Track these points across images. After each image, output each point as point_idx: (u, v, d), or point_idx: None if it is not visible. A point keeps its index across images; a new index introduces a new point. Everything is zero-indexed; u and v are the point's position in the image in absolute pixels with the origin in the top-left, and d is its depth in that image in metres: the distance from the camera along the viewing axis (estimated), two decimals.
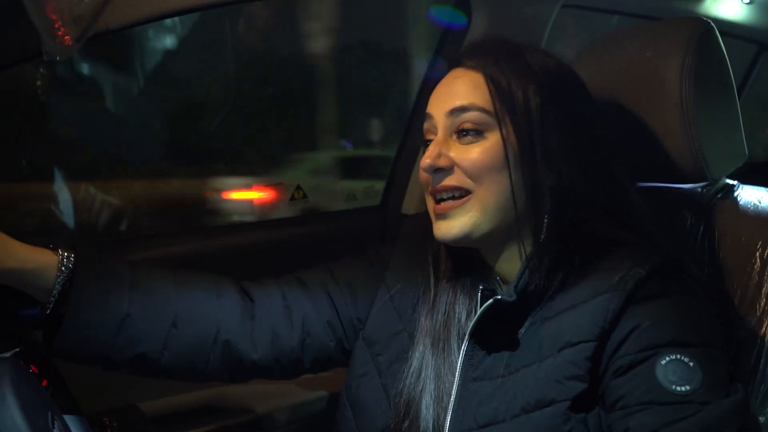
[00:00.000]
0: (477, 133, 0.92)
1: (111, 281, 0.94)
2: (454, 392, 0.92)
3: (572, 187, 0.91)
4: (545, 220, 0.91)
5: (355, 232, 1.65)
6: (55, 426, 0.70)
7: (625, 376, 0.81)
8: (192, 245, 1.49)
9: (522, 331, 0.90)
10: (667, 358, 0.79)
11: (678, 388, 0.78)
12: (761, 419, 0.90)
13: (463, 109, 0.93)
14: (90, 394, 1.07)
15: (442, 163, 0.92)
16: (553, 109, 0.93)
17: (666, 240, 0.94)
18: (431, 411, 0.93)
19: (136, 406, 1.34)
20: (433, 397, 0.93)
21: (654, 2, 1.68)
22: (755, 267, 0.99)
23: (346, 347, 1.07)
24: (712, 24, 1.05)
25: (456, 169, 0.92)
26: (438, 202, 0.94)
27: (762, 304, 0.97)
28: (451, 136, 0.94)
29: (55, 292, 0.90)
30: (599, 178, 0.93)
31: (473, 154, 0.91)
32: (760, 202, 1.05)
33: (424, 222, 1.07)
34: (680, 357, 0.79)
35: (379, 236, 1.65)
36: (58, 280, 0.90)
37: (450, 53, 1.03)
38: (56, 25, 0.78)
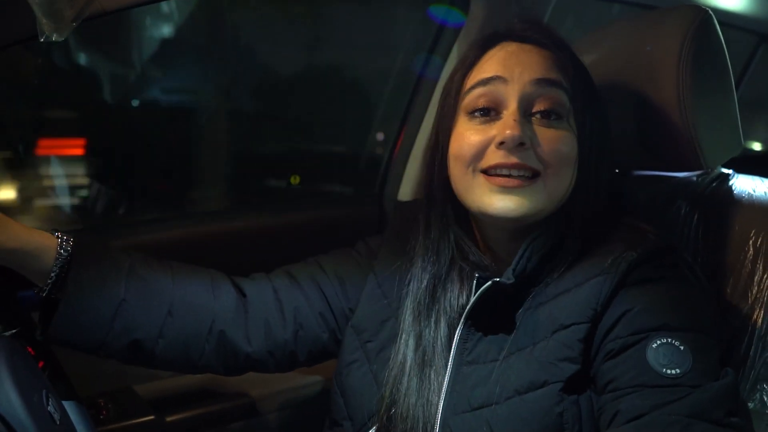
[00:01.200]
0: (558, 116, 0.89)
1: (108, 267, 0.94)
2: (447, 375, 0.92)
3: (595, 181, 0.92)
4: (570, 212, 0.92)
5: (351, 219, 1.65)
6: (50, 404, 0.71)
7: (617, 358, 0.82)
8: (188, 230, 1.49)
9: (517, 315, 0.91)
10: (658, 342, 0.80)
11: (668, 371, 0.78)
12: (750, 405, 0.91)
13: (553, 83, 0.89)
14: (86, 377, 1.08)
15: (527, 139, 0.87)
16: (601, 106, 0.95)
17: (660, 227, 0.95)
18: (421, 395, 0.93)
19: (132, 388, 1.35)
20: (423, 380, 0.94)
21: None
22: (748, 255, 1.00)
23: (339, 338, 1.07)
24: (711, 13, 1.05)
25: (530, 148, 0.88)
26: (495, 174, 0.89)
27: (754, 292, 0.97)
28: (525, 113, 0.89)
29: (52, 274, 0.90)
30: (611, 169, 0.95)
31: (555, 139, 0.88)
32: (754, 191, 1.05)
33: (415, 208, 1.07)
34: (671, 341, 0.80)
35: (376, 223, 1.66)
36: (56, 264, 0.90)
37: (504, 27, 0.97)
38: (52, 6, 0.78)
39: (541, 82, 0.88)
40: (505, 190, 0.88)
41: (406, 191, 1.68)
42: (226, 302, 1.02)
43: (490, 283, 0.90)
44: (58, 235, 0.92)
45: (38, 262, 0.90)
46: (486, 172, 0.89)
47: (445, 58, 1.61)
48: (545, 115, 0.89)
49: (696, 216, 1.07)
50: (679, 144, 1.04)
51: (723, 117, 1.08)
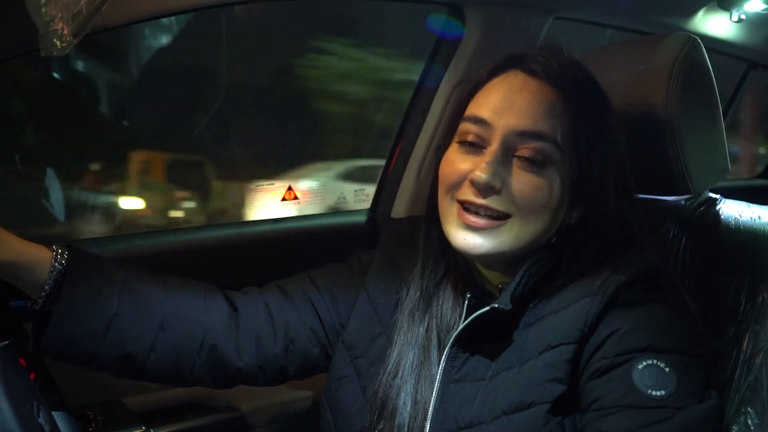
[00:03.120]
0: (538, 164, 0.88)
1: (102, 281, 0.95)
2: (435, 393, 0.93)
3: (604, 217, 0.91)
4: (556, 241, 0.92)
5: (344, 235, 1.66)
6: (41, 415, 0.71)
7: (602, 378, 0.83)
8: (181, 242, 1.49)
9: (506, 335, 0.91)
10: (644, 363, 0.81)
11: (653, 393, 0.79)
12: (735, 428, 0.92)
13: (535, 136, 0.88)
14: (76, 389, 1.08)
15: (497, 184, 0.88)
16: (608, 143, 0.92)
17: (652, 251, 0.95)
18: (408, 411, 0.93)
19: (121, 401, 1.34)
20: (411, 397, 0.94)
21: (644, 17, 1.70)
22: (734, 279, 1.01)
23: (330, 353, 1.07)
24: (699, 41, 1.08)
25: (504, 191, 0.88)
26: (464, 209, 0.90)
27: (738, 316, 0.99)
28: (507, 153, 0.89)
29: (46, 287, 0.91)
30: (623, 202, 0.93)
31: (530, 186, 0.88)
32: (740, 216, 1.07)
33: (408, 226, 1.08)
34: (656, 362, 0.80)
35: (369, 239, 1.66)
36: (50, 277, 0.91)
37: (519, 54, 0.95)
38: (54, 21, 0.79)
39: (525, 134, 0.88)
40: (471, 228, 0.89)
41: (399, 208, 1.69)
42: (218, 316, 1.02)
43: (488, 308, 0.91)
44: (53, 248, 0.93)
45: (32, 275, 0.90)
46: (461, 203, 0.91)
47: (441, 75, 1.62)
48: (526, 161, 0.89)
49: (684, 239, 1.09)
50: (667, 168, 1.06)
51: (711, 142, 1.11)
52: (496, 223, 0.89)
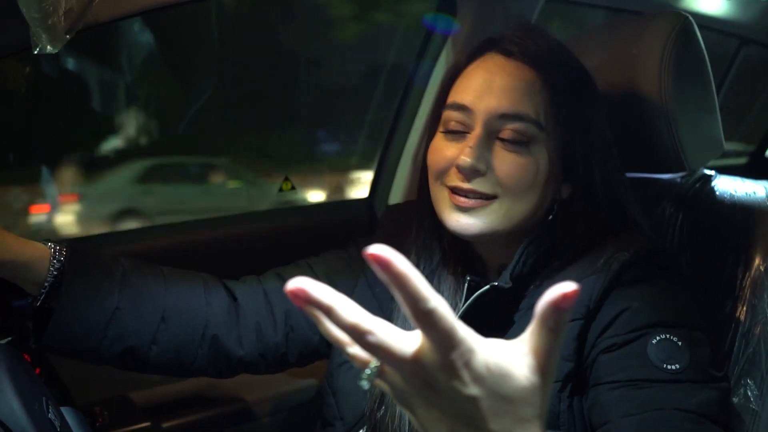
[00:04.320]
0: (521, 144, 0.90)
1: (101, 276, 0.95)
2: None
3: (590, 191, 0.93)
4: (563, 221, 0.92)
5: (343, 223, 1.67)
6: (50, 411, 0.72)
7: (616, 353, 0.83)
8: (179, 237, 1.50)
9: (511, 316, 0.92)
10: (658, 338, 0.82)
11: (669, 366, 0.80)
12: (735, 399, 0.94)
13: (516, 117, 0.89)
14: (82, 385, 1.09)
15: (482, 166, 0.89)
16: (589, 122, 0.93)
17: (651, 230, 0.96)
18: None
19: (127, 396, 1.35)
20: None
21: None
22: (731, 254, 1.02)
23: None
24: (691, 18, 1.08)
25: (489, 173, 0.90)
26: (454, 192, 0.92)
27: (737, 289, 1.00)
28: (490, 136, 0.91)
29: (46, 284, 0.91)
30: (610, 179, 0.94)
31: (514, 167, 0.89)
32: (735, 192, 1.08)
33: (405, 211, 1.08)
34: (670, 336, 0.81)
35: (367, 227, 1.67)
36: (50, 274, 0.91)
37: (497, 35, 0.96)
38: (46, 18, 0.79)
39: (506, 116, 0.89)
40: (462, 209, 0.91)
41: (397, 195, 1.70)
42: (219, 307, 1.03)
43: (488, 287, 0.91)
44: (50, 246, 0.93)
45: (32, 273, 0.90)
46: (449, 188, 0.93)
47: (434, 63, 1.63)
48: (508, 141, 0.90)
49: (680, 217, 1.09)
50: (662, 146, 1.07)
51: (704, 119, 1.11)
52: (486, 202, 0.90)
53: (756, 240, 1.01)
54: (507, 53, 0.93)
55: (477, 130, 0.90)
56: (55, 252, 0.92)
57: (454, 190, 0.92)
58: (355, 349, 0.50)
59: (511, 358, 0.48)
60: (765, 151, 2.62)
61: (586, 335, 0.86)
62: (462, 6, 1.55)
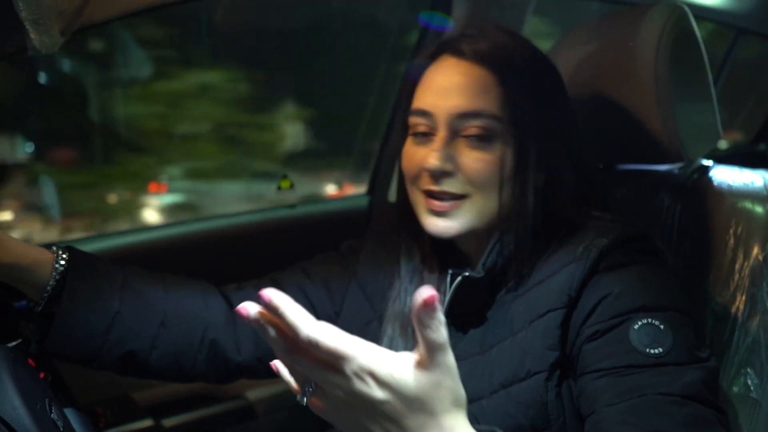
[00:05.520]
0: (484, 140, 0.91)
1: (102, 281, 0.95)
2: None
3: (560, 183, 0.94)
4: (532, 212, 0.93)
5: (341, 219, 1.67)
6: (53, 412, 0.72)
7: (599, 341, 0.84)
8: (177, 236, 1.50)
9: (493, 308, 0.93)
10: (640, 323, 0.82)
11: (651, 351, 0.80)
12: (735, 389, 0.94)
13: (475, 115, 0.91)
14: (84, 385, 1.09)
15: (449, 167, 0.91)
16: (549, 112, 0.94)
17: (633, 218, 0.97)
18: None
19: (129, 395, 1.36)
20: None
21: None
22: (729, 244, 1.02)
23: None
24: (686, 8, 1.08)
25: (457, 173, 0.92)
26: (429, 196, 0.94)
27: (736, 279, 1.00)
28: (455, 136, 0.92)
29: (48, 288, 0.91)
30: (580, 169, 0.96)
31: (480, 163, 0.91)
32: (733, 182, 1.08)
33: (396, 211, 1.09)
34: (652, 321, 0.82)
35: (366, 224, 1.67)
36: (52, 278, 0.91)
37: (449, 38, 0.98)
38: (41, 19, 0.79)
39: (464, 115, 0.91)
40: (437, 213, 0.93)
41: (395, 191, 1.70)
42: (217, 312, 1.03)
43: (460, 277, 0.93)
44: (53, 250, 0.93)
45: (34, 277, 0.91)
46: (424, 192, 0.94)
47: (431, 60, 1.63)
48: (472, 139, 0.91)
49: (678, 208, 1.09)
50: (659, 137, 1.07)
51: (701, 109, 1.11)
52: (459, 202, 0.92)
53: (754, 230, 1.01)
54: (459, 54, 0.94)
55: (441, 133, 0.92)
56: (57, 257, 0.93)
57: (429, 194, 0.93)
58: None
59: (406, 362, 0.57)
60: (762, 140, 2.62)
61: (569, 324, 0.87)
62: (457, 3, 1.55)
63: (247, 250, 1.52)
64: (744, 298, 0.98)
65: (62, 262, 0.92)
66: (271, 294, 0.58)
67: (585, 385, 0.83)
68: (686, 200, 1.09)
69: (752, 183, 1.06)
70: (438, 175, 0.92)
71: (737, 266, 1.00)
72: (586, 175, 0.97)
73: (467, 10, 1.56)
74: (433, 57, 0.97)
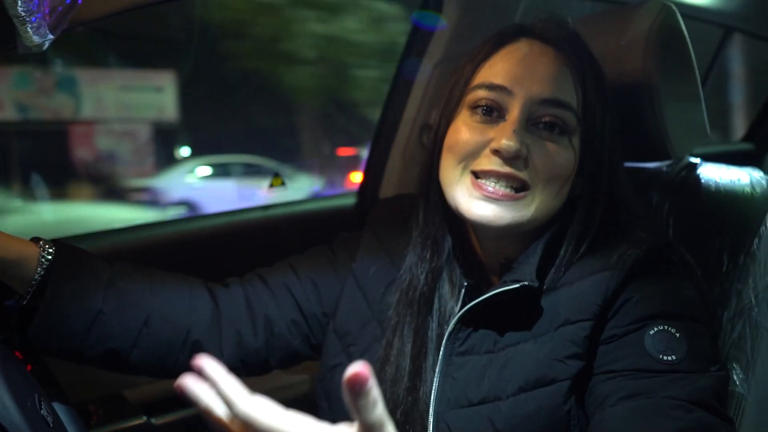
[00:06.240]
0: (561, 133, 0.88)
1: (88, 278, 0.95)
2: (438, 367, 0.92)
3: (602, 188, 0.91)
4: (584, 218, 0.90)
5: (332, 216, 1.67)
6: (43, 407, 0.72)
7: (614, 343, 0.83)
8: (167, 234, 1.50)
9: (515, 308, 0.89)
10: (655, 329, 0.82)
11: (665, 357, 0.80)
12: None
13: (560, 104, 0.87)
14: (76, 383, 1.09)
15: (524, 151, 0.85)
16: (611, 114, 0.92)
17: (648, 221, 0.97)
18: (408, 391, 0.93)
19: (121, 393, 1.36)
20: (411, 377, 0.93)
21: None
22: (716, 241, 1.03)
23: (313, 342, 1.07)
24: (674, 8, 1.09)
25: (527, 160, 0.86)
26: (481, 178, 0.87)
27: (722, 276, 1.01)
28: (528, 121, 0.87)
29: (33, 282, 0.91)
30: (619, 174, 0.94)
31: (555, 156, 0.87)
32: (720, 179, 1.09)
33: (395, 205, 1.08)
34: (667, 328, 0.81)
35: (357, 223, 1.67)
36: (37, 273, 0.91)
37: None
38: (31, 16, 0.79)
39: (547, 102, 0.87)
40: (489, 199, 0.87)
41: (388, 189, 1.70)
42: (202, 313, 1.02)
43: (518, 285, 0.86)
44: (39, 244, 0.93)
45: (19, 271, 0.90)
46: (476, 174, 0.88)
47: (421, 58, 1.63)
48: (548, 127, 0.87)
49: (667, 205, 1.10)
50: (647, 135, 1.08)
51: (689, 108, 1.12)
52: (516, 195, 0.87)
53: (740, 226, 1.02)
54: (545, 40, 0.90)
55: (516, 114, 0.86)
56: (42, 251, 0.92)
57: (486, 176, 0.87)
58: None
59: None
60: (751, 139, 2.64)
61: (599, 334, 0.85)
62: (448, 2, 1.55)
63: (237, 248, 1.52)
64: (731, 295, 0.99)
65: (48, 257, 0.92)
66: (205, 365, 0.57)
67: (595, 385, 0.83)
68: (674, 197, 1.10)
69: (738, 180, 1.07)
70: (510, 158, 0.85)
71: (723, 263, 1.01)
72: (618, 179, 0.94)
73: (459, 9, 1.56)
74: (507, 39, 0.92)
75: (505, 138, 0.85)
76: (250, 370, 1.07)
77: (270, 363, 1.07)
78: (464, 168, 0.89)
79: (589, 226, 0.90)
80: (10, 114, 4.89)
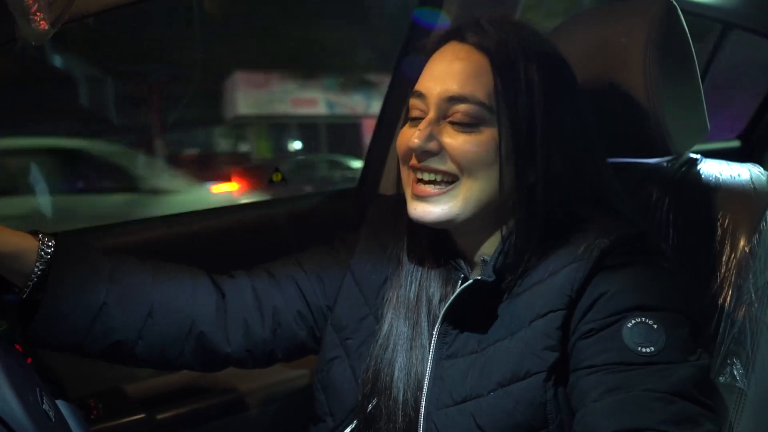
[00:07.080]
0: (471, 125, 0.90)
1: (89, 270, 0.95)
2: (428, 371, 0.94)
3: (560, 176, 0.92)
4: (527, 207, 0.92)
5: (332, 214, 1.67)
6: (44, 402, 0.72)
7: (593, 338, 0.84)
8: (170, 229, 1.50)
9: (494, 308, 0.92)
10: (633, 321, 0.82)
11: (643, 350, 0.81)
12: (721, 379, 0.95)
13: (461, 99, 0.90)
14: (75, 378, 1.09)
15: (432, 146, 0.90)
16: (550, 102, 0.92)
17: (636, 215, 0.97)
18: (402, 385, 0.95)
19: (121, 388, 1.36)
20: (404, 371, 0.95)
21: None
22: (716, 237, 1.04)
23: (318, 335, 1.08)
24: (674, 3, 1.09)
25: (445, 153, 0.91)
26: (418, 181, 0.93)
27: (722, 271, 1.01)
28: (443, 118, 0.92)
29: (33, 277, 0.90)
30: (583, 164, 0.94)
31: (465, 145, 0.90)
32: (720, 175, 1.09)
33: (392, 203, 1.09)
34: (645, 320, 0.82)
35: (356, 218, 1.67)
36: (37, 266, 0.90)
37: (454, 23, 0.99)
38: (32, 10, 0.78)
39: (453, 99, 0.91)
40: (420, 198, 0.93)
41: (387, 183, 1.70)
42: (207, 304, 1.03)
43: (471, 281, 0.92)
44: (39, 237, 0.92)
45: (19, 264, 0.90)
46: (414, 174, 0.94)
47: (419, 55, 1.63)
48: (457, 123, 0.91)
49: (666, 201, 1.10)
50: (647, 131, 1.08)
51: (689, 103, 1.12)
52: (445, 189, 0.91)
53: (741, 222, 1.02)
54: (462, 39, 0.94)
55: (430, 114, 0.92)
56: (42, 244, 0.91)
57: (418, 176, 0.93)
58: None
59: None
60: (750, 134, 2.65)
61: (569, 324, 0.86)
62: None
63: (239, 244, 1.52)
64: (730, 289, 0.99)
65: (48, 250, 0.91)
66: None
67: (576, 380, 0.84)
68: (674, 193, 1.10)
69: (739, 176, 1.08)
70: (420, 154, 0.91)
71: (724, 258, 1.01)
72: (586, 172, 0.94)
73: (459, 5, 1.56)
74: (439, 43, 0.97)
75: (413, 137, 0.91)
76: (256, 361, 1.07)
77: (276, 354, 1.08)
78: (408, 169, 0.95)
79: (534, 212, 0.91)
80: (322, 109, 6.96)
